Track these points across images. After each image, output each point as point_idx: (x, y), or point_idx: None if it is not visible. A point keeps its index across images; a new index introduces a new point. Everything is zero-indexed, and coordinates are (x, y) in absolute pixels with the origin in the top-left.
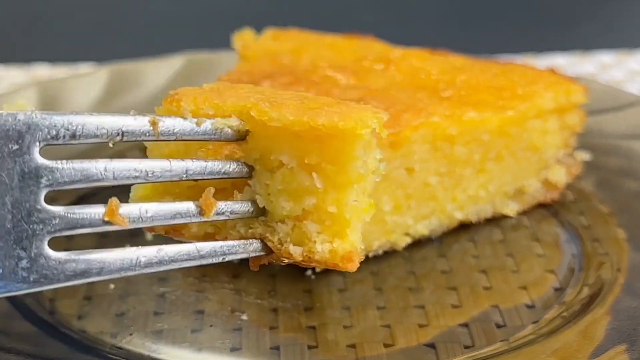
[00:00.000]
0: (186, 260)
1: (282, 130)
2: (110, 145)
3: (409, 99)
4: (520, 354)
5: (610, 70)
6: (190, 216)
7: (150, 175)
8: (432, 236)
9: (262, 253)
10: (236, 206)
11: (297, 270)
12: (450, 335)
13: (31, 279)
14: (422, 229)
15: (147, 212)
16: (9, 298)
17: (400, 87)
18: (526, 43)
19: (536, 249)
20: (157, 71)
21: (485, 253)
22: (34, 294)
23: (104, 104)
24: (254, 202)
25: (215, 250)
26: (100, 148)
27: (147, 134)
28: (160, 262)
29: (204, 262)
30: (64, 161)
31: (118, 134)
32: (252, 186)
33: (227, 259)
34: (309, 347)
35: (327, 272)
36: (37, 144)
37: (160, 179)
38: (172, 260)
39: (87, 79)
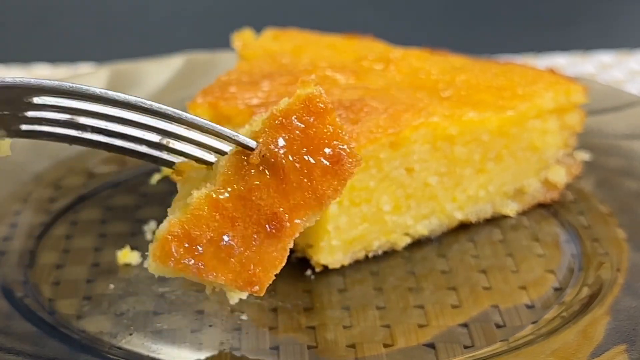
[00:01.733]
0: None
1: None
2: None
3: (409, 99)
4: (520, 354)
5: (610, 70)
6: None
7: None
8: (432, 236)
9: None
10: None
11: (296, 270)
12: (449, 335)
13: None
14: (422, 229)
15: None
16: (8, 298)
17: (400, 87)
18: (526, 43)
19: (536, 249)
20: (157, 71)
21: (485, 253)
22: (34, 294)
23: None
24: None
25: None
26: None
27: None
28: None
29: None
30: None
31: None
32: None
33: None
34: (309, 347)
35: (326, 272)
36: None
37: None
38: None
39: (87, 79)
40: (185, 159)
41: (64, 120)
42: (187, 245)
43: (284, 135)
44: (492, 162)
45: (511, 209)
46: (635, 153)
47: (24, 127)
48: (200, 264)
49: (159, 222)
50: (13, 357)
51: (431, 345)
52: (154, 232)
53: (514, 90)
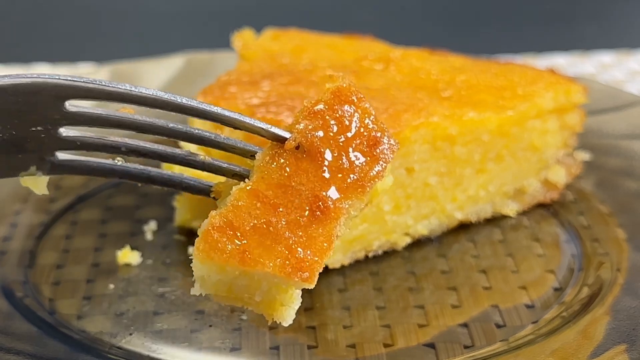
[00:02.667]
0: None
1: None
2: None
3: (409, 99)
4: (520, 354)
5: (610, 70)
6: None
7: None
8: (432, 236)
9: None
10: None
11: None
12: (449, 335)
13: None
14: (422, 229)
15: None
16: (8, 298)
17: (400, 87)
18: (526, 43)
19: (536, 249)
20: (157, 71)
21: (485, 253)
22: (34, 294)
23: (104, 104)
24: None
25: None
26: None
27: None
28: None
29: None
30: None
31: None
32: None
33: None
34: (309, 347)
35: (326, 272)
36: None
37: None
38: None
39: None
40: (221, 179)
41: (98, 141)
42: (230, 234)
43: (317, 123)
44: (492, 162)
45: (511, 209)
46: (635, 153)
47: (59, 155)
48: (245, 253)
49: (159, 222)
50: (13, 357)
51: (431, 345)
52: (154, 232)
53: (514, 90)
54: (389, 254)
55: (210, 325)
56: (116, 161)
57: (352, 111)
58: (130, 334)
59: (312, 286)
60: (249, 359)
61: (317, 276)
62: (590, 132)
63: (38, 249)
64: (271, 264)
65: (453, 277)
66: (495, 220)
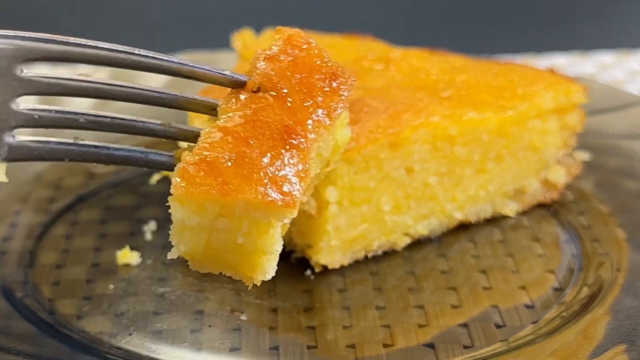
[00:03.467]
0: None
1: None
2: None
3: (409, 99)
4: (520, 354)
5: (610, 70)
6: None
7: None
8: (432, 236)
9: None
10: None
11: (296, 271)
12: (449, 335)
13: None
14: (422, 229)
15: None
16: (8, 298)
17: (400, 87)
18: (526, 43)
19: (536, 249)
20: None
21: (485, 253)
22: (34, 294)
23: (104, 104)
24: None
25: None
26: None
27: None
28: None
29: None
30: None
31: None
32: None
33: None
34: (309, 347)
35: (326, 272)
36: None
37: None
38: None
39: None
40: (183, 145)
41: (56, 115)
42: (206, 168)
43: (274, 65)
44: (492, 162)
45: (511, 209)
46: (635, 153)
47: (17, 136)
48: (225, 184)
49: (159, 222)
50: (13, 357)
51: (431, 345)
52: (153, 232)
53: (514, 90)
54: (389, 254)
55: (210, 326)
56: (76, 140)
57: (307, 55)
58: (130, 334)
59: (294, 213)
60: (249, 359)
61: (298, 203)
62: (590, 132)
63: (38, 249)
64: (253, 190)
65: (453, 277)
66: (495, 220)
